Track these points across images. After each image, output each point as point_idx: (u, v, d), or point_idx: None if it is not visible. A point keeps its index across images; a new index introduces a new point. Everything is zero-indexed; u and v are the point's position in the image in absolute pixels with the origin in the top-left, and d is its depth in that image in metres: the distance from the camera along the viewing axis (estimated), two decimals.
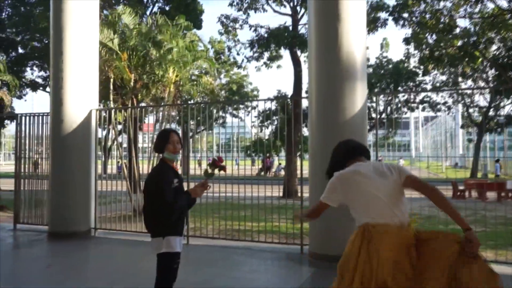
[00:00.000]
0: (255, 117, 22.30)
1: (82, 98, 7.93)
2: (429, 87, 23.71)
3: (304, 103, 18.72)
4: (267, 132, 21.15)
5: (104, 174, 11.57)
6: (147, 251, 6.42)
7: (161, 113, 11.51)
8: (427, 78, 23.55)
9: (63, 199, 7.68)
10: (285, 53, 31.95)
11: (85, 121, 7.91)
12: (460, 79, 24.05)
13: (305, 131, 20.20)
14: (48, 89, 20.25)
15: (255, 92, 30.53)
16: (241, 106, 28.38)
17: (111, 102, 11.75)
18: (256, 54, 18.99)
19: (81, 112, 7.89)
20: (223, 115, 24.25)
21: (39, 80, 20.53)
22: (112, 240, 7.57)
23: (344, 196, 2.68)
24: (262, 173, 26.60)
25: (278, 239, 7.22)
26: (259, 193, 7.38)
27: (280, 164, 26.42)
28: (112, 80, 11.51)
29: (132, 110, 9.83)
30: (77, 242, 7.33)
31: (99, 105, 8.66)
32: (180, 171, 3.52)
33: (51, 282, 5.02)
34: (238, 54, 20.66)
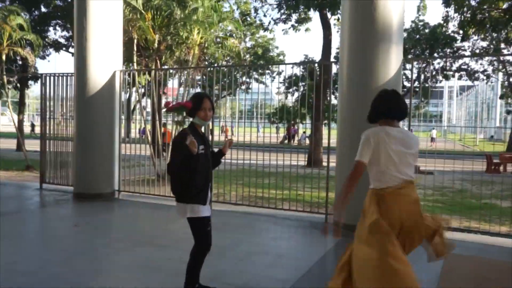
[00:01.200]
0: (281, 82, 22.03)
1: (106, 59, 7.98)
2: (467, 53, 22.79)
3: (333, 69, 18.34)
4: (292, 99, 20.95)
5: (127, 138, 11.80)
6: (171, 214, 6.64)
7: (184, 77, 11.53)
8: (465, 44, 22.60)
9: (87, 161, 7.90)
10: (314, 15, 31.07)
11: (109, 83, 8.00)
12: (502, 45, 22.96)
13: (333, 99, 19.94)
14: (70, 49, 20.45)
15: (281, 57, 30.05)
16: (266, 71, 28.07)
17: (135, 64, 11.81)
18: (283, 16, 18.59)
19: (105, 73, 7.97)
20: (248, 80, 24.06)
21: (62, 40, 20.73)
22: (136, 202, 7.78)
23: (371, 153, 2.81)
24: (286, 141, 26.59)
25: (302, 207, 7.29)
26: (284, 161, 7.41)
27: (304, 132, 26.30)
28: (135, 41, 11.53)
29: (156, 73, 9.87)
30: (102, 203, 7.58)
31: (123, 67, 8.73)
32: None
33: (78, 241, 5.25)
34: (264, 15, 20.26)
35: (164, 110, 3.36)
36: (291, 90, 21.17)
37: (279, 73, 26.09)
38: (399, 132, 2.84)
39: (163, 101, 13.70)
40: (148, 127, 11.50)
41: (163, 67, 11.84)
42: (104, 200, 7.77)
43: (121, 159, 8.36)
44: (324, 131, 16.74)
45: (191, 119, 3.38)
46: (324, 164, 15.97)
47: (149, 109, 14.20)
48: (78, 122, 7.98)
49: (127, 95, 13.28)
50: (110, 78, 8.02)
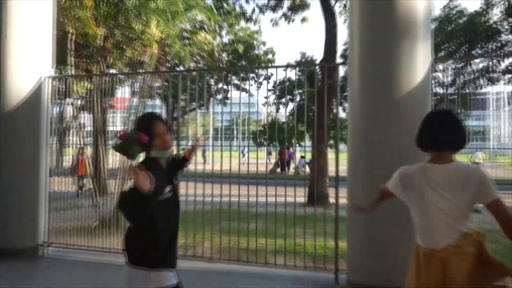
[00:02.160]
0: (270, 90, 22.23)
1: (29, 60, 7.96)
2: None
3: (341, 71, 18.54)
4: (286, 112, 21.06)
5: (58, 169, 11.67)
6: (120, 278, 6.46)
7: (138, 84, 11.52)
8: None
9: (0, 203, 7.75)
10: (313, 1, 31.59)
11: (33, 94, 7.96)
12: None
13: (341, 112, 20.11)
14: None
15: (270, 56, 30.48)
16: (250, 75, 28.30)
17: (71, 67, 11.79)
18: (272, 2, 18.86)
19: (27, 81, 7.94)
20: (225, 87, 24.23)
21: None
22: (70, 261, 7.61)
23: (405, 197, 3.07)
24: (279, 169, 26.64)
25: (303, 262, 7.22)
26: (276, 198, 7.32)
27: (303, 157, 26.41)
28: (72, 36, 11.53)
29: (99, 79, 9.81)
30: (21, 263, 7.39)
31: (53, 72, 8.69)
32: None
33: None
34: (247, 1, 20.56)
35: (114, 144, 3.30)
36: (284, 100, 21.37)
37: (267, 78, 26.34)
38: (446, 171, 2.90)
39: (110, 116, 13.63)
40: (89, 152, 11.39)
41: (109, 72, 11.83)
42: (24, 259, 7.60)
43: (50, 199, 8.24)
44: (330, 155, 16.81)
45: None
46: (332, 200, 15.95)
47: (89, 127, 14.08)
48: None
49: (60, 109, 13.22)
50: (34, 88, 7.98)
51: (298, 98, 19.89)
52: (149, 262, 3.17)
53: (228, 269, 7.10)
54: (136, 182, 2.80)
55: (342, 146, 9.57)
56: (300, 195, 7.81)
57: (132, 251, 3.21)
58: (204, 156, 23.76)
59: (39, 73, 8.05)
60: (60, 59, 12.84)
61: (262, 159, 23.49)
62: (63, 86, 8.87)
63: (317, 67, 13.17)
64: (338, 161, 6.91)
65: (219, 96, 24.72)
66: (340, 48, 19.90)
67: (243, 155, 28.15)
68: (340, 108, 19.35)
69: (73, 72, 12.10)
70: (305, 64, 21.04)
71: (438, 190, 2.85)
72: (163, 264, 3.20)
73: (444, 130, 2.96)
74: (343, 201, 6.46)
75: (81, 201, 9.01)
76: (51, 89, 8.25)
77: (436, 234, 2.87)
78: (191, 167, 8.92)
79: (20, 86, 7.86)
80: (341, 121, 17.94)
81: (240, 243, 7.96)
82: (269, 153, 28.12)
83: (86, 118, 11.91)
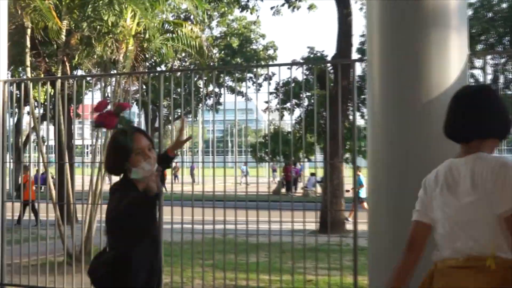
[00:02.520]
0: (271, 93, 22.29)
1: None
2: None
3: (358, 70, 18.60)
4: (291, 119, 21.01)
5: (15, 192, 11.68)
6: None
7: (111, 87, 11.57)
8: None
9: None
10: None
11: None
12: None
13: (359, 119, 20.12)
14: None
15: (271, 52, 30.57)
16: (247, 75, 28.37)
17: (28, 69, 11.82)
18: None
19: None
20: (217, 90, 24.31)
21: None
22: None
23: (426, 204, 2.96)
24: (284, 189, 26.59)
25: None
26: (281, 224, 7.30)
27: (314, 174, 26.38)
28: (29, 31, 11.58)
29: (63, 82, 9.86)
30: None
31: (8, 75, 8.72)
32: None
33: None
34: None
35: (93, 122, 3.35)
36: (288, 105, 21.32)
37: (268, 78, 26.37)
38: (462, 167, 2.78)
39: (76, 126, 13.62)
40: (51, 171, 11.41)
41: (75, 74, 11.88)
42: None
43: (5, 229, 8.21)
44: (346, 172, 16.80)
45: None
46: (349, 227, 15.87)
47: (51, 141, 14.09)
48: None
49: (15, 119, 13.25)
50: None
51: (306, 103, 19.93)
52: None
53: None
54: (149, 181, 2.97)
55: (360, 161, 9.61)
56: (310, 221, 7.79)
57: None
58: (192, 174, 23.74)
59: None
60: (16, 59, 12.93)
61: (263, 178, 23.56)
62: (19, 92, 8.90)
63: (328, 64, 13.26)
64: (355, 179, 6.94)
65: (210, 101, 24.70)
66: (356, 42, 19.98)
67: (242, 173, 27.99)
68: (358, 114, 19.43)
69: (31, 73, 12.14)
70: (314, 61, 21.16)
71: (451, 190, 2.77)
72: None
73: (471, 113, 2.80)
74: (362, 227, 6.45)
75: (44, 231, 8.95)
76: (7, 95, 8.26)
77: (448, 244, 2.76)
78: (177, 188, 8.92)
79: None
80: (359, 130, 17.92)
81: (238, 280, 7.93)
82: (274, 170, 28.04)
83: (47, 130, 11.92)
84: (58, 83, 10.18)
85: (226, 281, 8.00)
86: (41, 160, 12.30)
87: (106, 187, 5.99)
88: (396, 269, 2.97)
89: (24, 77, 14.81)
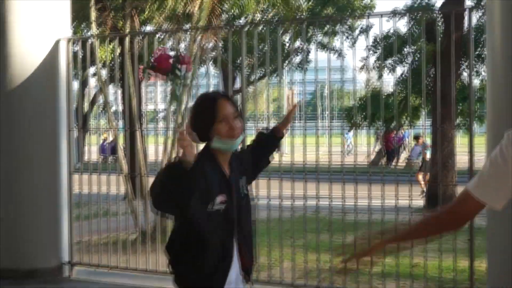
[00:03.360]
0: (369, 49, 21.98)
1: (39, 18, 8.15)
2: None
3: (473, 19, 18.07)
4: (393, 79, 20.68)
5: (78, 162, 12.04)
6: None
7: (185, 44, 11.69)
8: None
9: (10, 212, 8.06)
10: None
11: (47, 62, 8.18)
12: None
13: (476, 78, 19.59)
14: None
15: (367, 0, 30.08)
16: (339, 27, 28.04)
17: (93, 25, 12.05)
18: None
19: (38, 46, 8.15)
20: (303, 45, 24.14)
21: None
22: (100, 286, 7.93)
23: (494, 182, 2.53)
24: (384, 160, 26.25)
25: (424, 285, 7.13)
26: (383, 199, 7.24)
27: (417, 141, 25.98)
28: None
29: (131, 39, 10.06)
30: None
31: (71, 32, 8.97)
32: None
33: None
34: None
35: (151, 73, 3.41)
36: (390, 61, 20.98)
37: (364, 31, 26.00)
38: None
39: (143, 89, 13.87)
40: (120, 140, 11.65)
41: (144, 30, 12.08)
42: (42, 282, 7.86)
43: (74, 205, 8.49)
44: (460, 140, 16.47)
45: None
46: None
47: (119, 106, 14.33)
48: None
49: (80, 82, 13.62)
50: (49, 54, 8.20)
51: (410, 59, 19.58)
52: (187, 282, 3.31)
53: None
54: (181, 147, 2.94)
55: (477, 127, 9.42)
56: (416, 194, 7.66)
57: (174, 266, 3.37)
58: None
59: (54, 34, 8.26)
60: (79, 14, 13.25)
61: (361, 146, 23.23)
62: (83, 51, 9.14)
63: (438, 13, 12.96)
64: (472, 148, 6.81)
65: (298, 59, 24.59)
66: None
67: (347, 142, 27.57)
68: (474, 72, 18.93)
69: (97, 31, 12.41)
70: (420, 9, 20.70)
71: None
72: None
73: None
74: None
75: (114, 207, 9.15)
76: (70, 55, 8.47)
77: None
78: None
79: (28, 54, 8.10)
80: (476, 90, 17.41)
81: (332, 263, 7.95)
82: (377, 138, 27.55)
83: (114, 94, 12.19)
84: (127, 40, 10.41)
85: (320, 263, 8.00)
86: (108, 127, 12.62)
87: None
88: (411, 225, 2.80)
89: (89, 34, 15.15)
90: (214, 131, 3.30)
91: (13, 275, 7.97)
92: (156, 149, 10.05)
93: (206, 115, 3.32)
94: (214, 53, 17.88)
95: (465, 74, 18.32)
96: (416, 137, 21.46)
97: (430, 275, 7.63)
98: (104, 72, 12.21)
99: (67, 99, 8.49)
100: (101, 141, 24.85)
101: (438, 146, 14.20)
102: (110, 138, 26.57)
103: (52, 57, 8.25)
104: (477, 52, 18.02)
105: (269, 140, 3.80)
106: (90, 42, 9.37)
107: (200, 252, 3.25)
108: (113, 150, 13.34)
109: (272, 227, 7.93)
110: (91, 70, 17.11)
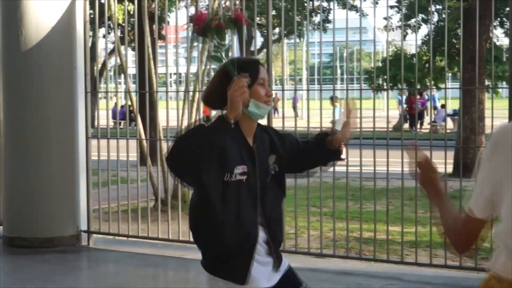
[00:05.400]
0: (392, 7, 21.68)
1: None
2: None
3: None
4: (416, 39, 20.52)
5: (92, 128, 11.98)
6: (190, 279, 6.60)
7: (204, 2, 11.56)
8: None
9: (27, 180, 8.10)
10: None
11: (63, 22, 8.16)
12: None
13: (503, 37, 19.34)
14: None
15: None
16: None
17: None
18: None
19: (56, 4, 8.11)
20: (324, 4, 23.97)
21: None
22: (120, 255, 7.94)
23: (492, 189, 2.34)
24: (407, 124, 26.13)
25: (459, 260, 7.03)
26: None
27: (444, 106, 25.85)
28: None
29: None
30: (56, 256, 7.73)
31: None
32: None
33: None
34: None
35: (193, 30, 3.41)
36: (413, 21, 20.76)
37: None
38: None
39: (159, 50, 13.75)
40: (134, 103, 11.57)
41: None
42: (60, 251, 7.90)
43: (91, 171, 8.52)
44: (487, 103, 16.31)
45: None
46: None
47: (133, 69, 14.23)
48: (7, 110, 8.26)
49: (90, 42, 13.49)
50: (65, 14, 8.15)
51: (435, 18, 19.39)
52: (211, 265, 3.30)
53: (344, 267, 7.16)
54: (238, 97, 3.00)
55: (504, 90, 9.29)
56: (442, 161, 7.45)
57: (194, 237, 3.38)
58: (295, 107, 23.44)
59: None
60: None
61: (380, 111, 23.04)
62: (93, 11, 9.06)
63: None
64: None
65: (316, 18, 24.28)
66: None
67: (399, 103, 26.99)
68: (501, 31, 18.73)
69: None
70: None
71: None
72: (226, 274, 3.23)
73: None
74: None
75: (133, 173, 9.08)
76: (87, 15, 8.47)
77: None
78: (277, 123, 8.91)
79: (44, 13, 8.05)
80: (502, 50, 17.23)
81: (354, 231, 7.92)
82: (400, 102, 27.12)
83: (127, 57, 12.09)
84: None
85: (348, 232, 7.86)
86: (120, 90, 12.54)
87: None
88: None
89: None
90: (251, 94, 3.22)
91: (30, 244, 8.03)
92: (167, 113, 9.76)
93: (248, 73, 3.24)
94: (228, 13, 17.61)
95: (496, 33, 18.13)
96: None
97: None
98: (118, 33, 12.11)
99: (84, 60, 8.45)
100: (113, 106, 24.74)
101: (463, 110, 14.06)
102: (121, 103, 26.51)
103: (68, 17, 8.22)
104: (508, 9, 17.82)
105: (327, 150, 3.49)
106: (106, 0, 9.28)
107: (217, 225, 3.20)
108: (124, 115, 13.27)
109: (299, 195, 7.82)
110: (101, 31, 17.00)
